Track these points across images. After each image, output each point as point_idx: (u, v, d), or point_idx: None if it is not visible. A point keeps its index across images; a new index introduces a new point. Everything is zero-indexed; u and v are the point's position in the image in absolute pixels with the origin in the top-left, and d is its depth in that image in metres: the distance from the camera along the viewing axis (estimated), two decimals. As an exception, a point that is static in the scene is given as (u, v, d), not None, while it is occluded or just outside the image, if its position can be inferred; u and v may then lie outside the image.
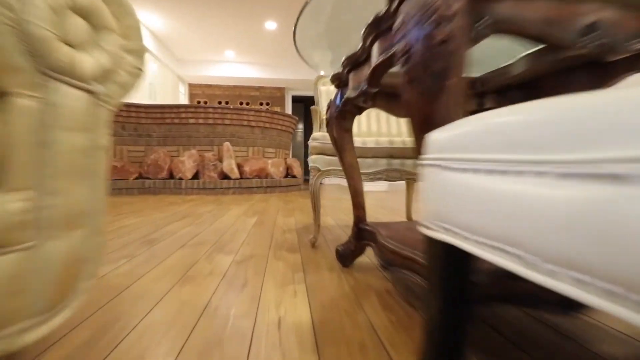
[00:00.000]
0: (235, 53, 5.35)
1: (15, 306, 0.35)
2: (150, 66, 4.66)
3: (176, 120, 3.87)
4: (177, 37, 4.80)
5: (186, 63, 5.59)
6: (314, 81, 1.75)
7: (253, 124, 4.08)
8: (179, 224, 1.77)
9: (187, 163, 3.67)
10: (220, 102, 6.26)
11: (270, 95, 6.36)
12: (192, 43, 5.03)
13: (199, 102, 6.19)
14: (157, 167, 3.70)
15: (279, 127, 4.40)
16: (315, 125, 1.63)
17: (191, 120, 3.87)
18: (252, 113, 4.01)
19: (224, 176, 3.78)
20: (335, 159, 1.29)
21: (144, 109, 3.76)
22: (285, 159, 4.63)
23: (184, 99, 6.08)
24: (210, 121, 3.89)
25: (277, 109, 6.37)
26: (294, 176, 4.51)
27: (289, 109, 6.58)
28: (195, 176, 3.74)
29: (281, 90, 6.38)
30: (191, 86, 6.17)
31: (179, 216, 2.06)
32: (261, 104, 6.32)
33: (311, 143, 1.37)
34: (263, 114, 4.11)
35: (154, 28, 4.56)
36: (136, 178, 3.65)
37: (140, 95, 4.40)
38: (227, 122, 3.93)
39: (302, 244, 1.33)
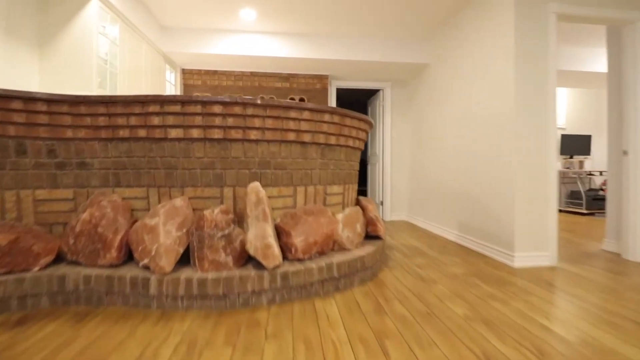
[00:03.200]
0: (258, 13, 3.23)
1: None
2: (108, 29, 2.58)
3: (142, 132, 1.78)
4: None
5: (176, 34, 3.50)
6: None
7: (307, 137, 1.97)
8: None
9: (163, 230, 1.58)
10: (229, 98, 4.15)
11: (306, 88, 4.24)
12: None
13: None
14: (94, 238, 1.63)
15: (350, 141, 2.28)
16: None
17: (173, 133, 1.77)
18: (306, 114, 1.90)
19: (247, 259, 1.69)
20: None
21: (69, 107, 1.67)
22: (358, 201, 2.51)
23: (173, 93, 3.96)
24: (217, 133, 1.79)
25: (316, 107, 4.25)
26: (377, 236, 2.38)
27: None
28: (183, 260, 1.65)
29: (322, 79, 4.26)
30: (185, 73, 4.07)
31: None
32: (292, 99, 4.20)
33: None
34: (326, 116, 2.00)
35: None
36: (49, 265, 1.56)
37: (78, 83, 2.30)
38: (252, 134, 1.83)
39: None
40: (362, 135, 2.42)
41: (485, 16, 2.76)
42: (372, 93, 6.40)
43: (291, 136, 1.92)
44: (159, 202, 1.84)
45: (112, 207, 1.77)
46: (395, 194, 4.60)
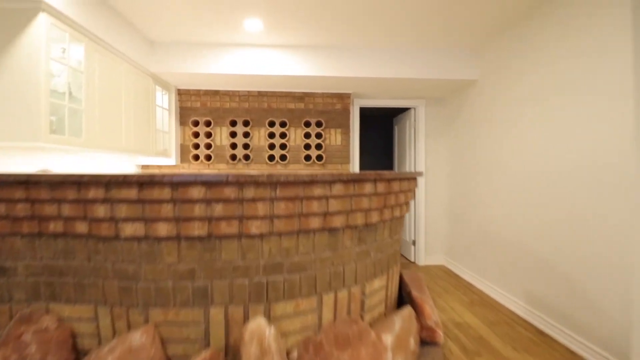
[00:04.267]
0: (265, 24, 2.57)
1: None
2: (69, 51, 1.97)
3: (82, 227, 1.13)
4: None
5: (168, 50, 2.88)
6: None
7: (338, 221, 1.28)
8: None
9: None
10: (234, 123, 3.51)
11: (324, 109, 3.56)
12: (180, 3, 2.30)
13: (196, 123, 3.47)
14: None
15: (397, 210, 1.59)
16: None
17: (129, 230, 1.11)
18: (337, 188, 1.22)
19: None
20: None
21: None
22: (405, 288, 1.82)
23: (166, 122, 3.35)
24: (199, 227, 1.13)
25: (337, 132, 3.57)
26: (433, 341, 1.68)
27: (355, 130, 3.76)
28: None
29: (343, 99, 3.57)
30: (182, 94, 3.45)
31: None
32: (307, 124, 3.54)
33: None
34: (368, 187, 1.31)
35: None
36: None
37: (22, 129, 1.69)
38: (254, 226, 1.16)
39: None
40: (409, 196, 1.72)
41: (574, 21, 2.02)
42: (399, 109, 5.66)
43: (315, 223, 1.25)
44: (113, 327, 1.19)
45: (39, 342, 1.13)
46: (431, 232, 3.87)
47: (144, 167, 3.48)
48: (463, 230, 3.41)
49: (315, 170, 3.55)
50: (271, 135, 3.54)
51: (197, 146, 3.50)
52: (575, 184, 2.00)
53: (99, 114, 2.14)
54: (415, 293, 1.74)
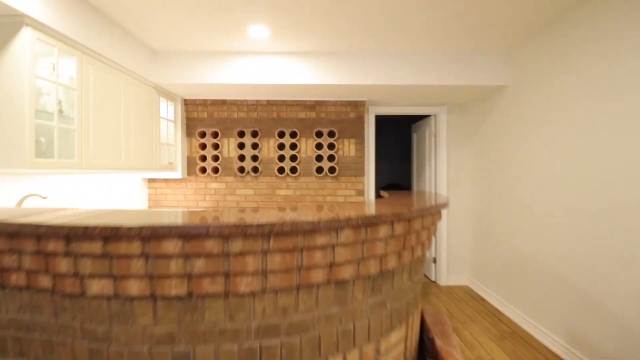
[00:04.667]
0: (271, 31, 2.38)
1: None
2: (61, 66, 1.85)
3: (45, 281, 0.97)
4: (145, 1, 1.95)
5: (171, 60, 2.73)
6: None
7: (347, 271, 1.07)
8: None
9: None
10: (242, 134, 3.34)
11: (337, 118, 3.34)
12: (181, 11, 2.15)
13: (203, 135, 3.33)
14: None
15: (419, 249, 1.35)
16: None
17: (95, 287, 0.94)
18: (345, 235, 1.01)
19: None
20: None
21: None
22: (427, 333, 1.57)
23: (171, 134, 3.23)
24: (176, 286, 0.95)
25: (351, 143, 3.34)
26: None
27: (370, 140, 3.52)
28: None
29: (358, 107, 3.34)
30: (188, 104, 3.32)
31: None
32: (319, 134, 3.32)
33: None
34: (383, 230, 1.09)
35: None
36: None
37: (7, 153, 1.56)
38: (243, 282, 0.96)
39: None
40: (433, 231, 1.47)
41: (623, 16, 1.71)
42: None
43: (318, 276, 1.03)
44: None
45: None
46: (454, 250, 3.57)
47: (150, 180, 3.37)
48: (491, 249, 3.10)
49: (327, 182, 3.34)
50: (281, 147, 3.35)
51: (204, 158, 3.35)
52: (632, 209, 1.69)
53: (93, 132, 2.01)
54: (439, 342, 1.49)
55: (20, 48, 1.54)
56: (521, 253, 2.60)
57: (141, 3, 1.99)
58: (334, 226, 0.98)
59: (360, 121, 3.36)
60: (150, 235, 0.88)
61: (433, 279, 3.67)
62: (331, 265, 1.04)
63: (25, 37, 1.55)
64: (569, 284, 2.11)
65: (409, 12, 2.11)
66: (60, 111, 1.86)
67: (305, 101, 3.34)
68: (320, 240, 0.99)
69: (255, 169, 3.33)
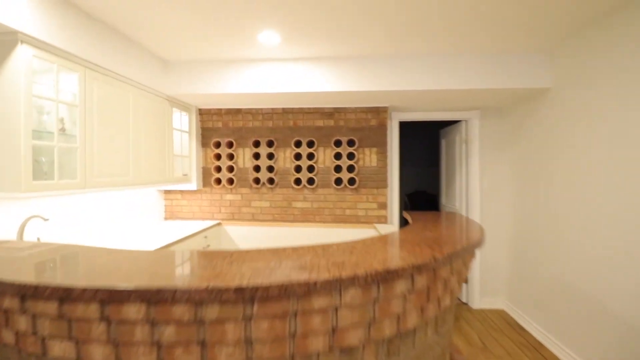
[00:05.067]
0: (282, 36, 2.21)
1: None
2: (64, 82, 1.79)
3: (8, 336, 0.82)
4: (155, 10, 1.84)
5: (182, 70, 2.64)
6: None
7: (355, 336, 0.85)
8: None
9: None
10: (257, 144, 3.21)
11: (357, 126, 3.12)
12: (188, 18, 2.03)
13: (217, 145, 3.23)
14: None
15: (448, 297, 1.10)
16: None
17: (57, 349, 0.78)
18: (351, 295, 0.80)
19: None
20: None
21: None
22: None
23: (185, 145, 3.16)
24: (143, 354, 0.75)
25: (372, 152, 3.11)
26: None
27: (394, 149, 3.26)
28: None
29: (379, 113, 3.10)
30: (203, 114, 3.24)
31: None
32: (338, 143, 3.12)
33: None
34: (402, 285, 0.86)
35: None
36: None
37: (5, 177, 1.49)
38: (222, 354, 0.75)
39: None
40: (464, 274, 1.23)
41: None
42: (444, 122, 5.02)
43: (318, 343, 0.83)
44: None
45: None
46: (488, 269, 3.23)
47: (166, 192, 3.32)
48: (530, 272, 2.74)
49: (346, 194, 3.13)
50: (297, 157, 3.18)
51: (219, 169, 3.26)
52: None
53: (98, 150, 1.94)
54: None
55: (15, 66, 1.48)
56: (568, 282, 2.25)
57: (150, 13, 1.89)
58: (336, 287, 0.78)
59: (382, 129, 3.12)
60: (109, 298, 0.73)
61: (464, 300, 3.34)
62: (334, 330, 0.84)
63: (21, 55, 1.48)
64: (631, 324, 1.76)
65: (434, 14, 1.85)
66: (63, 129, 1.79)
67: (323, 108, 3.15)
68: (319, 302, 0.79)
69: (270, 180, 3.19)
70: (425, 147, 6.03)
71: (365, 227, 3.12)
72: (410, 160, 6.04)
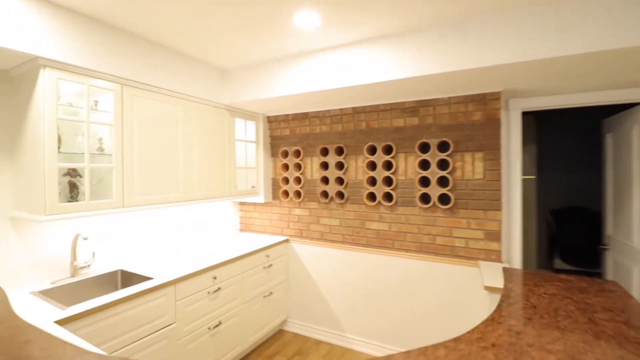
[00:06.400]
0: (322, 16, 1.69)
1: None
2: (101, 99, 1.81)
3: None
4: (200, 12, 1.69)
5: (238, 75, 2.44)
6: None
7: None
8: None
9: None
10: (326, 152, 2.78)
11: (452, 123, 2.29)
12: (223, 14, 1.78)
13: (285, 154, 2.96)
14: None
15: None
16: None
17: None
18: None
19: None
20: None
21: None
22: None
23: (252, 156, 3.00)
24: None
25: (477, 158, 2.21)
26: None
27: (513, 151, 2.25)
28: None
29: (487, 102, 2.18)
30: (271, 122, 3.02)
31: None
32: (425, 147, 2.35)
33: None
34: None
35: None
36: None
37: (35, 202, 1.54)
38: None
39: None
40: None
41: None
42: (607, 108, 3.37)
43: None
44: None
45: None
46: None
47: (241, 203, 3.27)
48: None
49: (437, 216, 2.33)
50: (372, 166, 2.58)
51: (286, 181, 2.98)
52: None
53: (138, 167, 1.89)
54: None
55: (39, 91, 1.49)
56: None
57: (185, 20, 1.71)
58: None
59: (492, 124, 2.17)
60: None
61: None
62: None
63: (44, 79, 1.49)
64: None
65: None
66: (101, 149, 1.80)
67: (403, 103, 2.43)
68: None
69: (340, 194, 2.69)
70: (580, 145, 4.30)
71: (465, 264, 2.24)
72: (556, 162, 4.43)
